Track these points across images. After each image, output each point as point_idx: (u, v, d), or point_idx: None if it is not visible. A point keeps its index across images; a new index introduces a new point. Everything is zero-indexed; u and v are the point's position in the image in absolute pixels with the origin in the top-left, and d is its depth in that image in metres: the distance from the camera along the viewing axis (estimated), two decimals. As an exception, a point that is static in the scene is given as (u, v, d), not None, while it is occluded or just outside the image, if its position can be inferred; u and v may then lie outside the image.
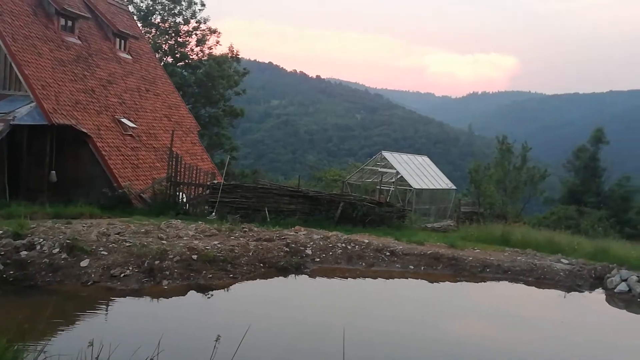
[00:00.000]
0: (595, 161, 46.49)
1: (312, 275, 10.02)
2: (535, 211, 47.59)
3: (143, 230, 10.49)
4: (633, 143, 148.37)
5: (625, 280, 10.72)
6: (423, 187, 30.11)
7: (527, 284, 10.89)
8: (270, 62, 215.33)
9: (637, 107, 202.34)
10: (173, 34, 38.42)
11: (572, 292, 10.62)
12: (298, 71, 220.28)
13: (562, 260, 12.26)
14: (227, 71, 39.04)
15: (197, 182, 16.40)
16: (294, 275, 9.80)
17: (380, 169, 30.06)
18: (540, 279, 11.08)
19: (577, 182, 46.28)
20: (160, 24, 38.43)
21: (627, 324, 9.42)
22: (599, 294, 10.71)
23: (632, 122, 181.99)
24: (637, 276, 10.69)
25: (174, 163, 16.36)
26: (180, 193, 16.50)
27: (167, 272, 8.52)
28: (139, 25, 32.49)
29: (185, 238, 10.19)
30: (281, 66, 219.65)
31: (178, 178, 16.31)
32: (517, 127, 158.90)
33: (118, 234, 9.83)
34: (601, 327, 9.01)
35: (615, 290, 10.64)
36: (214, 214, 15.23)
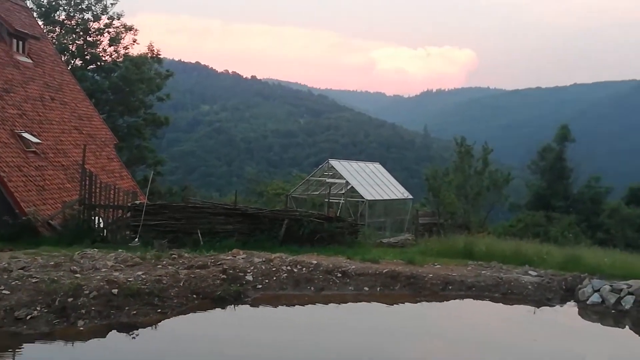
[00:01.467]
0: (562, 161, 48.29)
1: (254, 304, 9.95)
2: (501, 219, 49.02)
3: (53, 262, 10.17)
4: (600, 139, 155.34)
5: (597, 290, 11.15)
6: (376, 198, 30.49)
7: (494, 300, 11.18)
8: (197, 62, 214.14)
9: (602, 100, 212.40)
10: (81, 33, 37.58)
11: (542, 307, 10.98)
12: (230, 72, 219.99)
13: (530, 272, 12.66)
14: (147, 74, 38.47)
15: (115, 203, 16.03)
16: (233, 305, 9.70)
17: (328, 180, 30.28)
18: (508, 294, 11.40)
19: (544, 185, 47.95)
20: (65, 22, 37.53)
21: (602, 339, 9.78)
22: (570, 307, 11.11)
23: (598, 116, 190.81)
24: (610, 285, 11.15)
25: (87, 183, 15.94)
26: (97, 217, 16.08)
27: (83, 311, 8.27)
28: (40, 23, 31.67)
29: (103, 270, 9.93)
30: (210, 66, 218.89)
31: (93, 200, 15.89)
32: (476, 127, 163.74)
33: (22, 268, 9.48)
34: (575, 344, 9.33)
35: (587, 302, 11.05)
36: (137, 240, 14.91)
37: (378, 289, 11.23)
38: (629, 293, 10.73)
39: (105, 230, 15.83)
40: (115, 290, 8.77)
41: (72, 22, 37.61)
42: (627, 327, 10.23)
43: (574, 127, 51.32)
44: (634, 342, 9.75)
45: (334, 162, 32.10)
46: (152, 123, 39.79)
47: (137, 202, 16.24)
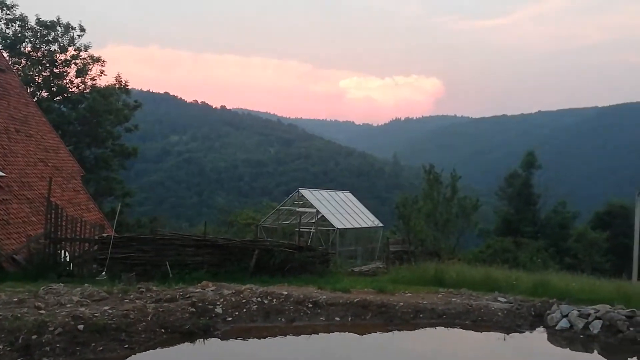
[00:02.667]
0: (529, 187, 49.15)
1: (224, 337, 9.82)
2: (470, 245, 49.42)
3: (16, 299, 9.92)
4: (565, 165, 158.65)
5: (566, 316, 11.28)
6: (347, 227, 30.56)
7: (464, 327, 11.22)
8: (166, 93, 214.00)
9: (566, 128, 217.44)
10: (48, 64, 37.31)
11: (512, 334, 11.05)
12: (200, 101, 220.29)
13: (500, 298, 12.76)
14: (114, 104, 38.30)
15: (82, 236, 15.77)
16: (202, 339, 9.56)
17: (298, 209, 30.29)
18: (478, 321, 11.46)
19: (512, 211, 48.65)
20: (31, 53, 37.24)
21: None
22: (540, 333, 11.20)
23: (563, 143, 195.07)
24: (578, 310, 11.28)
25: (53, 216, 15.68)
26: (63, 251, 15.79)
27: (48, 348, 8.06)
28: (5, 55, 31.35)
29: (68, 305, 9.71)
30: (179, 96, 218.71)
31: (59, 233, 15.62)
32: (445, 154, 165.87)
33: (-16, 306, 9.23)
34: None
35: (556, 328, 11.16)
36: (104, 273, 14.66)
37: (349, 318, 11.19)
38: (597, 318, 10.87)
39: (71, 264, 15.54)
40: (81, 326, 8.58)
41: (38, 53, 37.35)
42: (595, 351, 10.33)
43: (539, 154, 52.36)
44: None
45: (304, 191, 32.14)
46: (120, 154, 39.49)
47: (104, 234, 16.01)
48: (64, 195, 21.80)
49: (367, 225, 32.53)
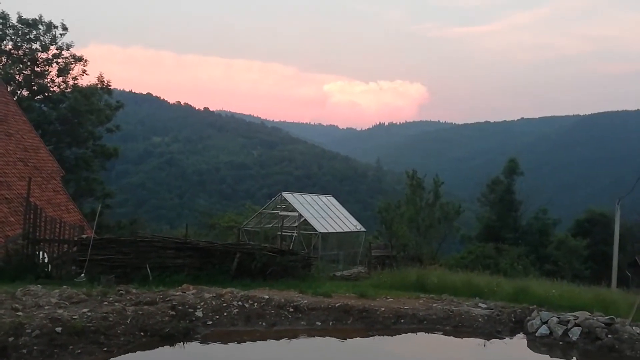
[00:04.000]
0: (511, 194, 49.59)
1: (204, 341, 9.78)
2: (452, 250, 49.72)
3: (-8, 300, 9.79)
4: (547, 172, 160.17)
5: (545, 322, 11.39)
6: (329, 231, 30.56)
7: (445, 333, 11.28)
8: (149, 93, 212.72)
9: (548, 135, 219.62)
10: (29, 63, 36.93)
11: (493, 340, 11.13)
12: (182, 103, 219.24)
13: (481, 304, 12.85)
14: (96, 105, 37.99)
15: (61, 237, 15.61)
16: (182, 343, 9.51)
17: (281, 213, 30.24)
18: (458, 327, 11.53)
19: (494, 217, 49.03)
20: (12, 51, 36.83)
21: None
22: (520, 340, 11.30)
23: (544, 150, 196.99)
24: (558, 317, 11.40)
25: (31, 216, 15.49)
26: (41, 252, 15.60)
27: (25, 351, 7.97)
28: (-14, 52, 31.00)
29: (46, 307, 9.61)
30: (162, 97, 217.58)
31: (37, 234, 15.43)
32: (428, 160, 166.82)
33: (-41, 307, 9.11)
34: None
35: (536, 334, 11.27)
36: (83, 275, 14.50)
37: (330, 323, 11.20)
38: (576, 325, 10.99)
39: (50, 266, 15.35)
40: (59, 329, 8.49)
41: (20, 52, 36.96)
42: (574, 358, 10.45)
43: (521, 160, 52.83)
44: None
45: (287, 195, 32.11)
46: (101, 155, 39.18)
47: (84, 236, 15.85)
48: (44, 196, 21.59)
49: (349, 230, 32.55)
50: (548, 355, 10.63)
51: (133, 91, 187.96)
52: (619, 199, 30.41)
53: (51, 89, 37.52)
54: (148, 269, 14.99)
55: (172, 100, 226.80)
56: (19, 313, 9.02)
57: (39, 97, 37.35)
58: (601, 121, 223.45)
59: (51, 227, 15.54)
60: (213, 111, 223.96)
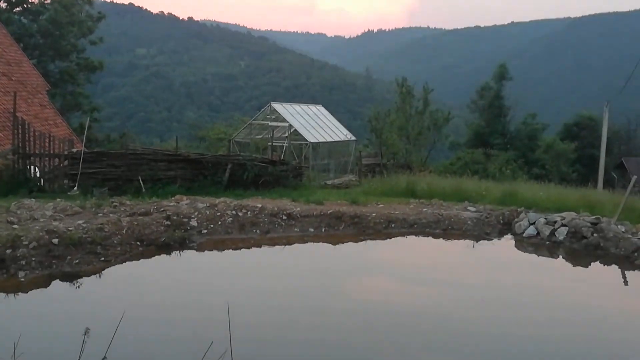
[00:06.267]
0: (500, 99, 49.40)
1: (200, 249, 9.96)
2: (442, 157, 50.08)
3: (-13, 215, 9.84)
4: (536, 78, 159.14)
5: (533, 223, 11.66)
6: (320, 141, 30.53)
7: (435, 236, 11.54)
8: (130, 4, 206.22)
9: (538, 40, 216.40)
10: (5, -27, 35.41)
11: (481, 241, 11.41)
12: (166, 12, 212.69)
13: (470, 208, 13.08)
14: (77, 16, 36.81)
15: (51, 152, 15.52)
16: (178, 251, 9.68)
17: (270, 123, 30.04)
18: (448, 230, 11.79)
19: (483, 124, 49.07)
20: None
21: (535, 269, 10.25)
22: (508, 240, 11.59)
23: (535, 56, 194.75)
24: (545, 218, 11.65)
25: (20, 131, 15.33)
26: (32, 167, 15.56)
27: (23, 262, 8.10)
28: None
29: (41, 220, 9.69)
30: (145, 7, 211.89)
31: (27, 149, 15.33)
32: (417, 67, 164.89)
33: (-45, 222, 9.16)
34: (510, 274, 9.75)
35: (524, 235, 11.56)
36: (75, 188, 14.54)
37: (323, 229, 11.40)
38: (563, 225, 11.25)
39: (42, 180, 15.34)
40: (55, 240, 8.59)
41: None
42: (560, 257, 10.75)
43: (511, 66, 52.34)
44: (568, 271, 10.26)
45: (276, 105, 31.77)
46: (86, 68, 38.36)
47: (74, 150, 15.76)
48: (30, 110, 21.28)
49: (339, 139, 32.52)
50: (535, 255, 10.93)
51: (114, 1, 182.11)
52: (607, 102, 30.45)
53: (30, 1, 36.20)
54: (140, 181, 15.03)
55: (154, 10, 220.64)
56: (15, 226, 9.09)
57: (17, 9, 36.09)
58: (592, 23, 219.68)
59: (40, 142, 15.41)
60: (197, 21, 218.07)
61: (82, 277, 8.15)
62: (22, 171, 15.15)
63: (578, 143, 46.44)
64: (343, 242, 11.07)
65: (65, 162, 15.28)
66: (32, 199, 11.66)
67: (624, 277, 9.71)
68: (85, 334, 2.75)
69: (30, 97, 22.40)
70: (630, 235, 10.62)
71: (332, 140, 31.72)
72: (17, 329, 3.99)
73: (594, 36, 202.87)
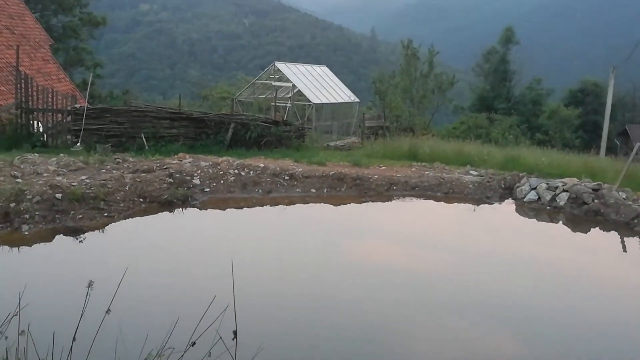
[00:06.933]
0: (505, 64, 48.92)
1: (202, 207, 10.01)
2: (445, 121, 49.89)
3: (-9, 168, 9.86)
4: (543, 42, 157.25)
5: (534, 188, 11.67)
6: (323, 102, 30.34)
7: (436, 199, 11.57)
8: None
9: (546, 4, 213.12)
10: None
11: (482, 205, 11.44)
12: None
13: (471, 172, 13.07)
14: (80, -31, 36.27)
15: (54, 107, 15.47)
16: (180, 209, 9.74)
17: (274, 83, 29.84)
18: (449, 193, 11.81)
19: (487, 88, 48.71)
20: None
21: (535, 233, 10.30)
22: (508, 205, 11.63)
23: (542, 20, 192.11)
24: (547, 183, 11.66)
25: (22, 85, 15.26)
26: (35, 122, 15.54)
27: (27, 216, 8.15)
28: None
29: (45, 175, 9.71)
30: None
31: (30, 104, 15.28)
32: (423, 29, 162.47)
33: (-41, 175, 9.18)
34: (510, 238, 9.81)
35: (524, 200, 11.59)
36: (79, 144, 14.55)
37: (325, 190, 11.43)
38: (564, 190, 11.26)
39: (45, 135, 15.34)
40: (59, 195, 8.63)
41: None
42: (560, 222, 10.79)
43: (518, 30, 51.61)
44: (567, 236, 10.31)
45: (280, 65, 31.48)
46: (89, 23, 37.94)
47: (77, 105, 15.71)
48: (33, 65, 21.13)
49: (343, 101, 32.29)
50: (535, 219, 10.97)
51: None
52: (613, 68, 30.15)
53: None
54: (143, 138, 15.03)
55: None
56: (18, 180, 9.12)
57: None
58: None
59: (43, 97, 15.36)
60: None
61: (85, 232, 8.21)
62: (25, 126, 15.15)
63: (582, 109, 46.20)
64: (344, 204, 11.11)
65: (68, 118, 15.26)
66: (36, 154, 11.67)
67: (623, 243, 9.76)
68: (89, 287, 2.78)
69: (32, 51, 22.22)
70: (631, 202, 10.64)
71: (336, 101, 31.52)
72: (22, 280, 4.05)
73: (602, 1, 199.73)
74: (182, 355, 2.55)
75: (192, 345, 2.56)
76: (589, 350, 5.73)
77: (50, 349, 2.66)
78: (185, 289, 6.33)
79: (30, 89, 15.21)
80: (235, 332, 2.32)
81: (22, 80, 15.25)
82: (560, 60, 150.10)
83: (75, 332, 2.67)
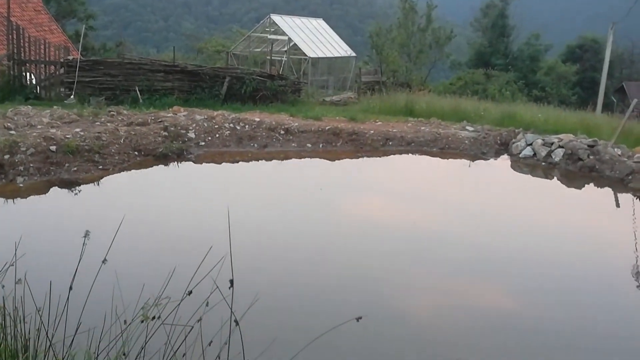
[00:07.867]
0: (504, 18, 48.25)
1: (197, 161, 10.00)
2: (442, 77, 49.50)
3: (-16, 120, 9.79)
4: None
5: (530, 144, 11.67)
6: (319, 56, 30.00)
7: (431, 154, 11.58)
8: None
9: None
10: None
11: (477, 161, 11.46)
12: None
13: (467, 127, 13.04)
14: None
15: (46, 59, 15.26)
16: (175, 162, 9.72)
17: (270, 36, 29.40)
18: (445, 149, 11.81)
19: (485, 43, 48.12)
20: None
21: (529, 188, 10.36)
22: (504, 160, 11.65)
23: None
24: (543, 139, 11.65)
25: (14, 36, 15.01)
26: (28, 73, 15.35)
27: (21, 168, 8.13)
28: None
29: (39, 127, 9.65)
30: None
31: (22, 55, 15.07)
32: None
33: (-48, 126, 9.11)
34: (504, 193, 9.86)
35: (520, 156, 11.61)
36: (72, 97, 14.41)
37: (320, 145, 11.41)
38: (559, 146, 11.27)
39: (38, 87, 15.19)
40: (53, 147, 8.59)
41: None
42: (555, 178, 10.83)
43: (517, -16, 50.72)
44: (561, 191, 10.37)
45: (275, 18, 30.97)
46: (80, -28, 37.13)
47: (70, 57, 15.49)
48: (25, 15, 20.76)
49: (339, 55, 31.90)
50: (530, 175, 11.02)
51: None
52: (612, 24, 29.81)
53: None
54: (137, 91, 14.90)
55: None
56: (12, 132, 9.07)
57: None
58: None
59: (36, 48, 15.14)
60: None
61: (80, 185, 8.21)
62: (18, 78, 14.98)
63: (580, 66, 45.80)
64: (340, 159, 11.12)
65: (61, 70, 15.08)
66: (29, 106, 11.57)
67: (617, 199, 9.83)
68: (85, 236, 2.79)
69: (24, 2, 21.79)
70: (626, 159, 10.66)
71: (332, 56, 31.15)
72: (18, 231, 4.04)
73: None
74: (179, 304, 2.57)
75: (189, 294, 2.58)
76: (584, 303, 5.82)
77: (47, 298, 2.68)
78: (181, 240, 6.36)
79: (22, 40, 14.98)
80: (231, 281, 2.33)
81: (14, 31, 15.00)
82: (560, 16, 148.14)
83: (72, 281, 2.69)
